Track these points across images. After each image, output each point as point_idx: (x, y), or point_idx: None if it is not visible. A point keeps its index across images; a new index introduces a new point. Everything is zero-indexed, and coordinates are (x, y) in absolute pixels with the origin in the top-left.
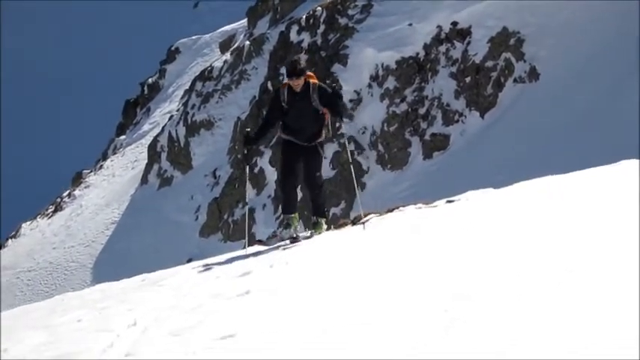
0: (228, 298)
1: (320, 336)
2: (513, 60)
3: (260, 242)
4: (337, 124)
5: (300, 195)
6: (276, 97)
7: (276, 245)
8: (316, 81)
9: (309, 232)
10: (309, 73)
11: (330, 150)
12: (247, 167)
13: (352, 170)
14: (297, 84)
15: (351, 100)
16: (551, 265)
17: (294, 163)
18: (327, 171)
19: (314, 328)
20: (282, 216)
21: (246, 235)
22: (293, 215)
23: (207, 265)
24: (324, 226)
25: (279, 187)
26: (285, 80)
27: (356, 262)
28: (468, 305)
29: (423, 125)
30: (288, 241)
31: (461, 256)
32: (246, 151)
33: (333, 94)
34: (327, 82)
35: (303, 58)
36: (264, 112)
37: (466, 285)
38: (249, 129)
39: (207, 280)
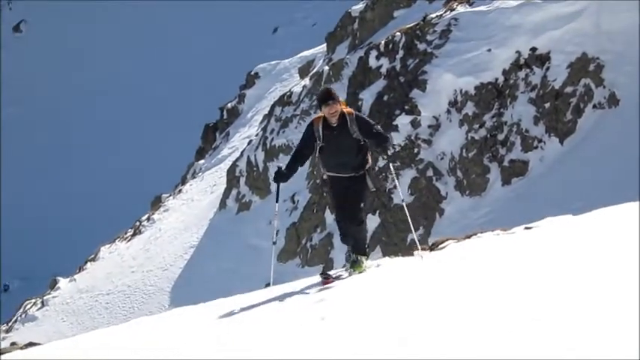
0: (302, 324)
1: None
2: (593, 86)
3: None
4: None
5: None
6: (309, 134)
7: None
8: (352, 110)
9: (348, 271)
10: (341, 102)
11: (408, 176)
12: (277, 204)
13: (401, 195)
14: (335, 111)
15: (429, 126)
16: (631, 295)
17: (345, 201)
18: (405, 196)
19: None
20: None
21: (272, 272)
22: (364, 258)
23: (285, 291)
24: (365, 265)
25: (339, 228)
26: (318, 114)
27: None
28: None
29: (502, 151)
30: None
31: (538, 286)
32: (277, 187)
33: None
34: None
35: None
36: (295, 148)
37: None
38: (281, 166)
39: (283, 306)
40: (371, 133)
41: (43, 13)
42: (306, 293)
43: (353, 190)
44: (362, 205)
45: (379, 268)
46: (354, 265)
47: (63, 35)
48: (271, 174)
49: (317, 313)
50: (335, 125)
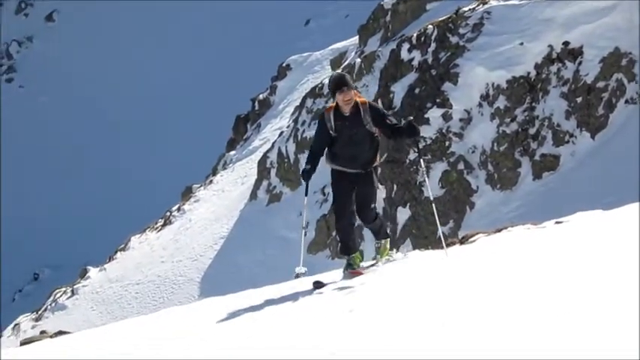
0: (331, 315)
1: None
2: (625, 81)
3: (318, 284)
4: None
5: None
6: (322, 125)
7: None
8: (365, 100)
9: (375, 257)
10: (355, 91)
11: (439, 169)
12: (306, 197)
13: (427, 183)
14: (350, 98)
15: (461, 119)
16: None
17: (349, 197)
18: (435, 190)
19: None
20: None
21: (301, 259)
22: (354, 255)
23: (315, 281)
24: (388, 248)
25: (336, 228)
26: (329, 104)
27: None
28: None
29: (533, 145)
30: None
31: (561, 282)
32: (307, 184)
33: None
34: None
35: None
36: (311, 145)
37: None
38: (307, 167)
39: (312, 298)
40: (384, 124)
41: (75, 3)
42: (335, 285)
43: (361, 193)
44: (373, 205)
45: (407, 260)
46: (378, 251)
47: (95, 25)
48: (302, 165)
49: (345, 306)
50: (348, 115)
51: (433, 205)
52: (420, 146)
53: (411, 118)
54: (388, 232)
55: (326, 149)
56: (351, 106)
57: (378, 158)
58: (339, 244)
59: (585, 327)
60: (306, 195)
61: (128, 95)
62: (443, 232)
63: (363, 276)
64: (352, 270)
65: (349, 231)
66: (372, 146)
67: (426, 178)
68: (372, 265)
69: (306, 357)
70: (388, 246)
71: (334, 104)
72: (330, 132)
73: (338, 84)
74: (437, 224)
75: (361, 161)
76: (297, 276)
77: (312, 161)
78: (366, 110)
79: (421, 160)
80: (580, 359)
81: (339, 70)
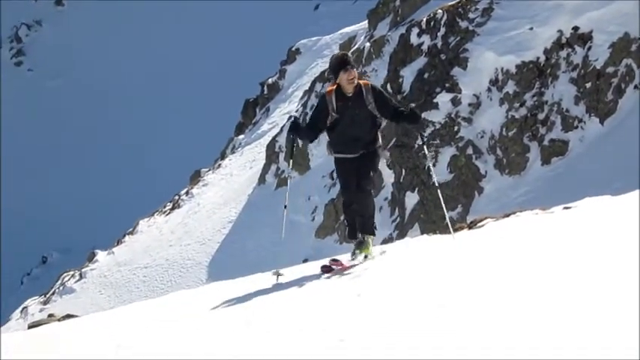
0: (339, 300)
1: None
2: (634, 66)
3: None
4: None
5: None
6: (322, 105)
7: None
8: (367, 82)
9: (354, 251)
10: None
11: (447, 153)
12: (291, 160)
13: (432, 171)
14: (353, 77)
15: (470, 104)
16: None
17: (354, 181)
18: (444, 174)
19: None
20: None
21: (282, 231)
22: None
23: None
24: (371, 246)
25: (343, 211)
26: (329, 87)
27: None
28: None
29: (542, 130)
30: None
31: (565, 269)
32: (293, 141)
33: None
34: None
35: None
36: (309, 118)
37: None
38: (296, 116)
39: (320, 283)
40: (387, 106)
41: None
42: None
43: (361, 166)
44: (371, 173)
45: (415, 245)
46: (360, 247)
47: (104, 9)
48: (311, 149)
49: (353, 290)
50: (350, 95)
51: (439, 191)
52: (425, 134)
53: (413, 105)
54: (375, 229)
55: (327, 139)
56: (354, 85)
57: (379, 140)
58: (347, 228)
59: (585, 320)
60: (290, 157)
61: (137, 79)
62: (451, 217)
63: (369, 261)
64: (334, 261)
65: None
66: (374, 128)
67: (431, 166)
68: (351, 261)
69: (315, 341)
70: (371, 244)
71: (335, 86)
72: (332, 113)
73: (342, 62)
74: (444, 211)
75: (362, 142)
76: (277, 275)
77: (307, 129)
78: (368, 91)
79: (425, 148)
80: (580, 359)
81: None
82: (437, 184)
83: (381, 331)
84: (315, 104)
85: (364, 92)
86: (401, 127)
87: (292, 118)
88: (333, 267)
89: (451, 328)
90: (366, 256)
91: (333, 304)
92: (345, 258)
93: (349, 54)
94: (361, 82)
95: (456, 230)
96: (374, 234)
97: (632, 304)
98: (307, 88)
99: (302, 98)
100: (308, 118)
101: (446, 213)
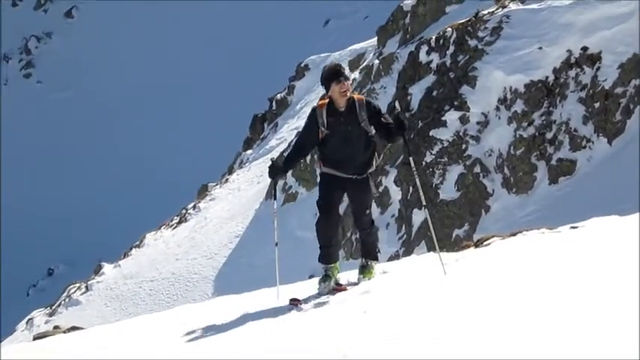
0: (345, 316)
1: None
2: None
3: (295, 301)
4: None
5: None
6: (312, 121)
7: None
8: (362, 97)
9: (358, 277)
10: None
11: (455, 172)
12: (275, 201)
13: (421, 192)
14: (347, 90)
15: (478, 123)
16: None
17: (336, 202)
18: (451, 192)
19: None
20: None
21: (277, 278)
22: (333, 265)
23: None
24: (375, 271)
25: (316, 229)
26: (319, 101)
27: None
28: None
29: (550, 150)
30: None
31: (573, 287)
32: (275, 184)
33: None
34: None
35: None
36: (296, 139)
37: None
38: (274, 158)
39: (325, 299)
40: (380, 123)
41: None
42: (350, 286)
43: (356, 199)
44: (368, 211)
45: (421, 262)
46: (363, 271)
47: (114, 22)
48: (316, 166)
49: (359, 306)
50: (342, 110)
51: (427, 214)
52: (433, 151)
53: (397, 109)
54: (378, 253)
55: (318, 152)
56: (346, 99)
57: (374, 163)
58: (320, 251)
59: (585, 333)
60: (274, 199)
61: (146, 92)
62: (457, 235)
63: (375, 278)
64: (337, 286)
65: (332, 235)
66: (369, 148)
67: (418, 183)
68: (355, 284)
69: (315, 357)
70: (375, 269)
71: (326, 100)
72: (322, 129)
73: (334, 73)
74: (451, 227)
75: (356, 163)
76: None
77: (292, 157)
78: (362, 106)
79: (410, 160)
80: (580, 359)
81: (357, 71)
82: (424, 202)
83: (384, 350)
84: (305, 122)
85: (357, 107)
86: (392, 142)
87: (270, 162)
88: (338, 292)
89: (456, 338)
90: (369, 279)
91: (339, 320)
92: (345, 277)
93: (342, 65)
94: (355, 96)
95: (462, 248)
96: (377, 259)
97: (629, 323)
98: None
99: None
100: (296, 138)
101: (434, 235)
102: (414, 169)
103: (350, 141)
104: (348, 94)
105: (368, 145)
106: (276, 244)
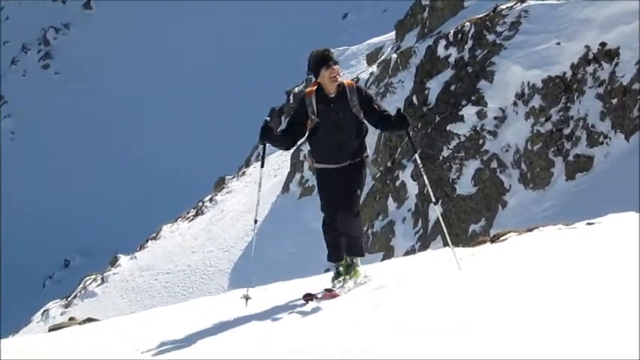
0: (355, 312)
1: None
2: None
3: (309, 296)
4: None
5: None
6: (301, 107)
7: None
8: (352, 82)
9: (341, 278)
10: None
11: (472, 167)
12: (262, 169)
13: (430, 189)
14: (337, 75)
15: (495, 118)
16: None
17: (338, 200)
18: (468, 187)
19: None
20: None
21: (252, 254)
22: (342, 262)
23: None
24: (360, 269)
25: (322, 230)
26: (308, 88)
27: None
28: None
29: (567, 146)
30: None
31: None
32: (264, 148)
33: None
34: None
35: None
36: (287, 121)
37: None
38: (268, 119)
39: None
40: (372, 109)
41: None
42: (364, 280)
43: (347, 178)
44: (357, 192)
45: (436, 257)
46: (348, 270)
47: (132, 13)
48: None
49: (372, 302)
50: (332, 96)
51: (440, 216)
52: (451, 146)
53: (400, 107)
54: (364, 249)
55: (308, 147)
56: (337, 84)
57: (366, 149)
58: (328, 249)
59: (590, 330)
60: (262, 166)
61: (163, 85)
62: (474, 231)
63: (389, 274)
64: (327, 291)
65: (337, 234)
66: (360, 135)
67: (426, 179)
68: (342, 286)
69: (319, 355)
70: (360, 266)
71: (315, 87)
72: (312, 117)
73: (323, 58)
74: (468, 222)
75: (347, 151)
76: (246, 298)
77: (283, 132)
78: (352, 92)
79: (416, 156)
80: (580, 359)
81: (374, 65)
82: (433, 199)
83: (386, 348)
84: (294, 107)
85: (348, 93)
86: (386, 132)
87: (264, 122)
88: (318, 296)
89: (465, 333)
90: (358, 282)
91: (348, 316)
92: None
93: (331, 50)
94: (345, 81)
95: (478, 243)
96: (363, 255)
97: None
98: None
99: None
100: (284, 123)
101: (446, 233)
102: (420, 165)
103: (341, 128)
104: (339, 80)
105: (360, 131)
106: (255, 221)
